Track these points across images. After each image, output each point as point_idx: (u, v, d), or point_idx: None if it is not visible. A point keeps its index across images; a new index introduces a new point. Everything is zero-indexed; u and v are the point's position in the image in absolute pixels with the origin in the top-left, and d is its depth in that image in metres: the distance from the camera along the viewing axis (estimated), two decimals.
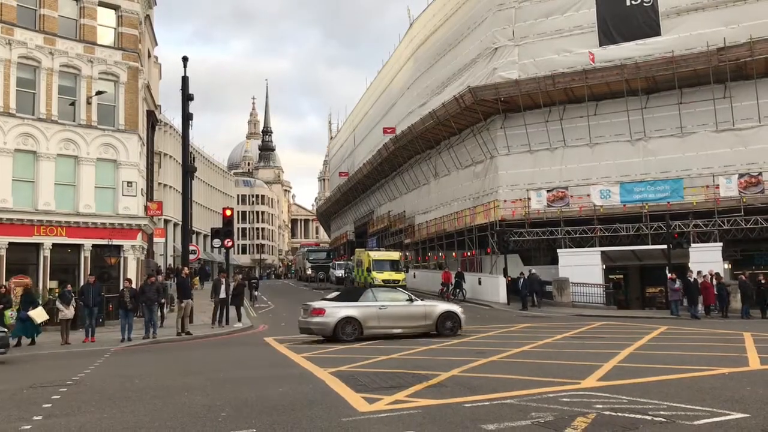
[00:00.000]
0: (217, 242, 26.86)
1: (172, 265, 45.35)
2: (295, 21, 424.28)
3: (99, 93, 26.19)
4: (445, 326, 17.70)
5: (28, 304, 18.64)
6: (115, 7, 27.38)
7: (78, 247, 25.57)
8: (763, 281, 25.72)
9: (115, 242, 26.24)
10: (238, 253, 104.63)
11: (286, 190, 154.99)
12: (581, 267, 31.18)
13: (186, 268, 23.61)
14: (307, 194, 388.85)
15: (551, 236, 34.58)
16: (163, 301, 23.09)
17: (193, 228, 52.29)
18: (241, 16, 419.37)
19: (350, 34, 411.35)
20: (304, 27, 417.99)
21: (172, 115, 61.04)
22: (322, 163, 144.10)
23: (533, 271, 32.07)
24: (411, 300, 18.25)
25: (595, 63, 34.58)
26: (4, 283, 21.84)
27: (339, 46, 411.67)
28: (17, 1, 24.85)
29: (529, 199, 35.75)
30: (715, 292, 25.80)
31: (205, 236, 75.05)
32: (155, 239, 35.56)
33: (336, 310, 16.99)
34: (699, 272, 26.54)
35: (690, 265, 28.42)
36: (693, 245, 29.51)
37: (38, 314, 18.52)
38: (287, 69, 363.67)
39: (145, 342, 18.89)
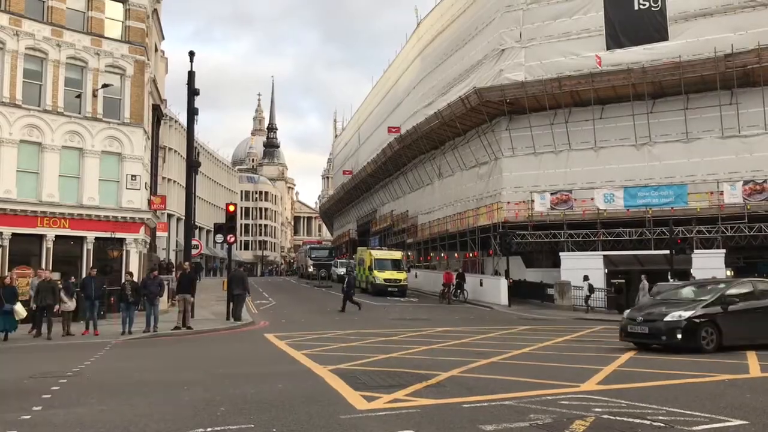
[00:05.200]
0: (219, 238, 26.93)
1: (173, 261, 45.37)
2: (294, 22, 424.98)
3: (105, 86, 26.22)
4: None
5: (12, 297, 18.13)
6: (123, 0, 27.42)
7: (81, 240, 25.63)
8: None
9: (118, 235, 26.27)
10: (241, 250, 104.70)
11: (289, 188, 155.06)
12: (583, 271, 31.13)
13: (188, 263, 23.62)
14: (307, 193, 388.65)
15: (554, 239, 34.54)
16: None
17: (196, 223, 52.41)
18: (241, 17, 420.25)
19: (349, 36, 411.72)
20: (303, 28, 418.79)
21: (175, 110, 61.13)
22: (326, 161, 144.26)
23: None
24: None
25: (601, 66, 34.53)
26: (6, 273, 21.88)
27: (339, 47, 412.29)
28: None
29: (532, 201, 35.69)
30: None
31: (207, 231, 75.27)
32: (158, 233, 35.62)
33: None
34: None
35: (692, 271, 28.34)
36: (696, 251, 29.43)
37: (20, 310, 18.40)
38: (287, 69, 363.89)
39: (146, 335, 18.91)
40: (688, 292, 15.58)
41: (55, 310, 18.66)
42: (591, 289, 30.18)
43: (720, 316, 13.53)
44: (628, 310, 15.53)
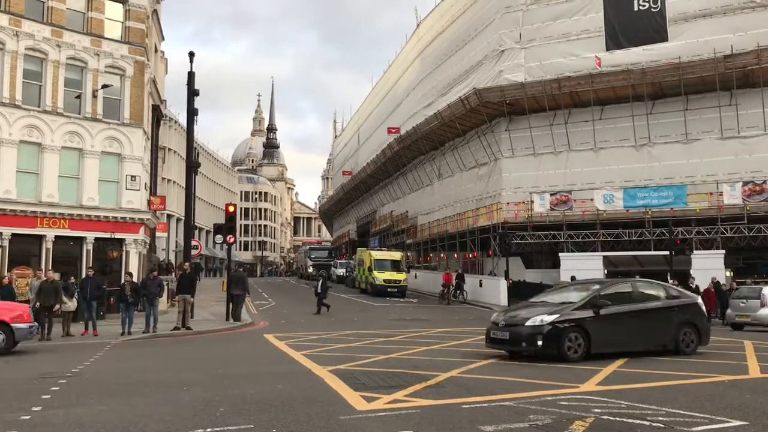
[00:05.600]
0: (219, 238, 26.92)
1: (172, 261, 45.38)
2: (293, 23, 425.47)
3: (105, 86, 26.22)
4: None
5: (9, 298, 18.01)
6: (123, 1, 27.43)
7: (81, 240, 25.63)
8: None
9: (118, 236, 26.28)
10: (240, 250, 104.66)
11: (289, 188, 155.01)
12: (583, 271, 31.05)
13: (188, 264, 23.60)
14: (307, 194, 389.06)
15: (554, 240, 34.56)
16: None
17: (196, 223, 52.37)
18: (240, 18, 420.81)
19: (349, 36, 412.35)
20: (302, 29, 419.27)
21: (175, 110, 61.07)
22: (326, 162, 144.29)
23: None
24: None
25: (601, 67, 34.55)
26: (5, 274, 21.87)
27: (338, 47, 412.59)
28: None
29: (532, 202, 35.71)
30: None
31: (207, 232, 75.25)
32: (158, 234, 35.63)
33: None
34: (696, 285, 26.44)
35: (692, 272, 28.36)
36: (695, 252, 29.46)
37: None
38: (287, 70, 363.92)
39: (145, 336, 18.91)
40: (560, 293, 14.42)
41: (54, 309, 18.65)
42: None
43: (589, 320, 12.24)
44: (495, 313, 14.42)
